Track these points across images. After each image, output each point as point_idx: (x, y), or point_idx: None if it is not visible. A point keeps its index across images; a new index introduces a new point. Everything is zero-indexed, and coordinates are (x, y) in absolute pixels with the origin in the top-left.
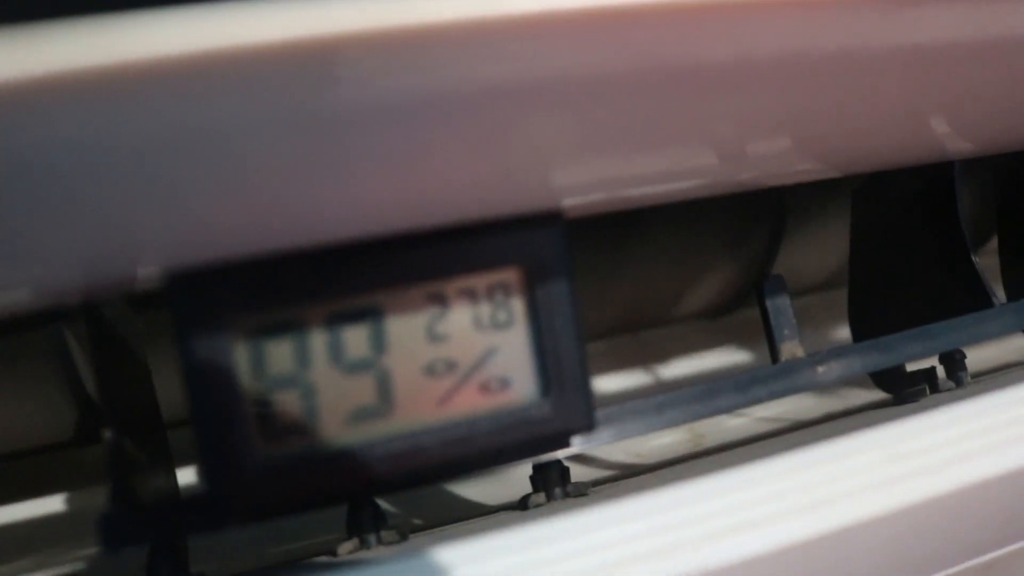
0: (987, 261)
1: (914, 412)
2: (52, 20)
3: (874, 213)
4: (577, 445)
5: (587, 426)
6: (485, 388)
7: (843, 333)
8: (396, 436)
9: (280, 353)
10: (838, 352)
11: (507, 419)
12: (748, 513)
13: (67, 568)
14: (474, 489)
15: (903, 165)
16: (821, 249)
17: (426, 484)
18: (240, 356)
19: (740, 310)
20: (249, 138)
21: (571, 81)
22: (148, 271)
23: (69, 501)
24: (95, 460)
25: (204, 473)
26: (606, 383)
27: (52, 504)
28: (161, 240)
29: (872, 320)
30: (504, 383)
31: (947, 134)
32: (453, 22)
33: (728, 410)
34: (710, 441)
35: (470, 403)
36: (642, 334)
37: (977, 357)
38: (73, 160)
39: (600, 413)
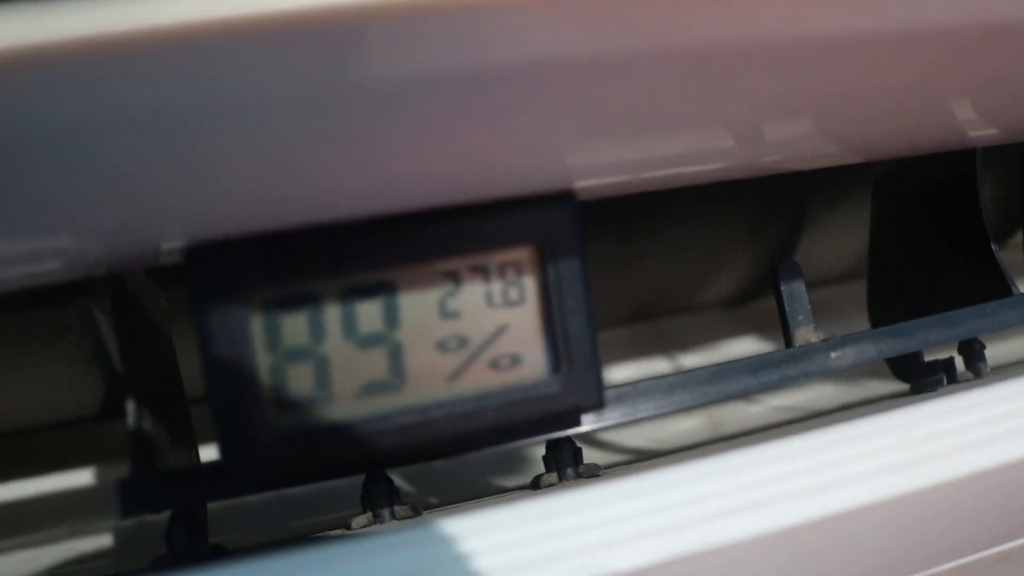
0: (1013, 255)
1: (928, 400)
2: None
3: (895, 201)
4: (587, 424)
5: (596, 404)
6: (496, 365)
7: (866, 324)
8: (407, 410)
9: (295, 326)
10: (852, 338)
11: (517, 395)
12: (753, 493)
13: (96, 537)
14: (489, 471)
15: (924, 151)
16: (843, 238)
17: (436, 459)
18: (255, 328)
19: (761, 298)
20: (269, 113)
21: (584, 61)
22: (167, 244)
23: (98, 473)
24: (123, 433)
25: (219, 442)
26: (626, 371)
27: (82, 477)
28: (179, 213)
29: (890, 307)
30: (515, 360)
31: (969, 119)
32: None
33: (740, 394)
34: (728, 428)
35: (481, 379)
36: (663, 322)
37: (1004, 351)
38: (96, 132)
39: (610, 393)
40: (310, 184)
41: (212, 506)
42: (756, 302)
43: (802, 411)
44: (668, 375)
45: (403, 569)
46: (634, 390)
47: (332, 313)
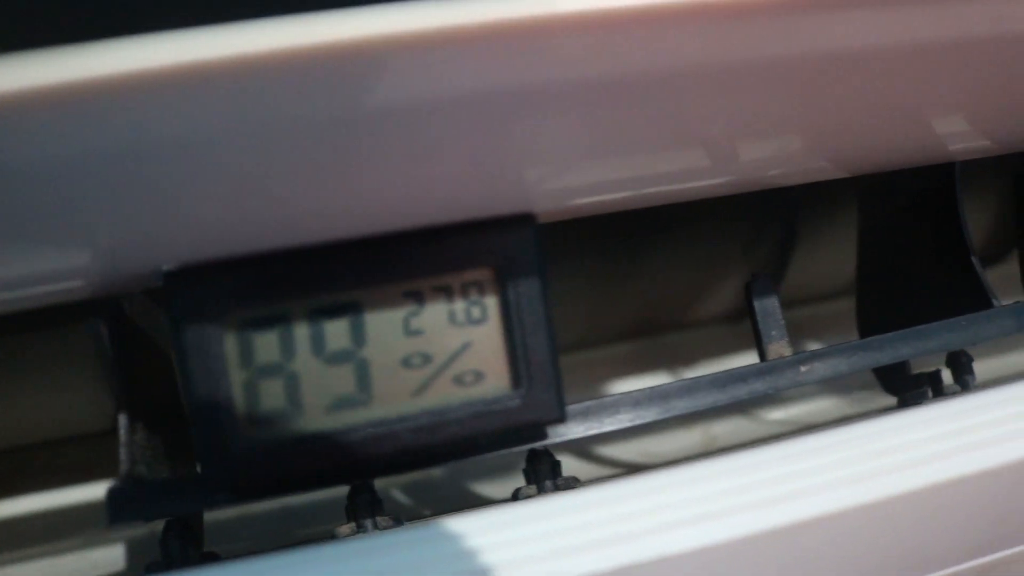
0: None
1: (898, 413)
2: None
3: (879, 215)
4: (554, 437)
5: (558, 418)
6: (460, 380)
7: None
8: (374, 424)
9: (266, 344)
10: (822, 353)
11: (480, 410)
12: (708, 505)
13: (108, 547)
14: (474, 484)
15: (904, 166)
16: (837, 254)
17: (405, 471)
18: (229, 346)
19: None
20: (238, 148)
21: (541, 90)
22: (145, 269)
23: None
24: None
25: (196, 454)
26: (627, 385)
27: (97, 490)
28: (157, 240)
29: (878, 321)
30: (478, 376)
31: (944, 133)
32: (430, 30)
33: (708, 408)
34: (723, 443)
35: (445, 394)
36: (664, 337)
37: (1001, 364)
38: (77, 170)
39: (575, 407)
40: (281, 210)
41: (214, 518)
42: None
43: (797, 425)
44: (634, 391)
45: (374, 570)
46: (599, 404)
47: (302, 332)
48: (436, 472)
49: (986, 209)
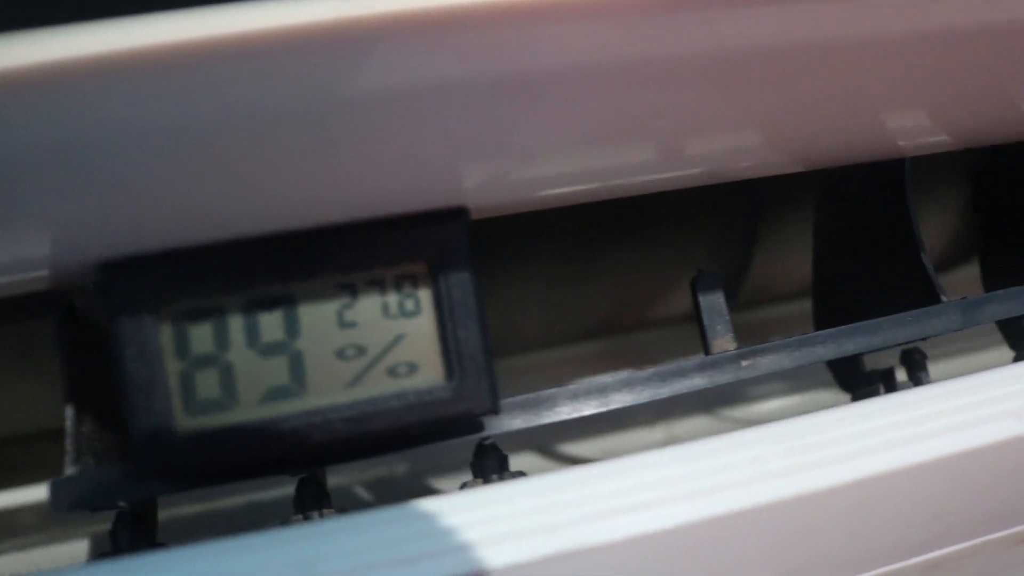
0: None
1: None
2: None
3: (834, 213)
4: (489, 429)
5: (490, 410)
6: (393, 372)
7: None
8: (308, 414)
9: (201, 336)
10: (765, 348)
11: (413, 401)
12: (650, 493)
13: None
14: (432, 482)
15: (855, 160)
16: (800, 255)
17: (340, 462)
18: (165, 338)
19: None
20: (170, 140)
21: (469, 83)
22: (81, 262)
23: None
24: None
25: (130, 444)
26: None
27: None
28: (90, 233)
29: (833, 320)
30: (411, 368)
31: (892, 128)
32: (354, 19)
33: (648, 401)
34: (682, 439)
35: (379, 386)
36: (631, 336)
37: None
38: (3, 161)
39: (514, 400)
40: (214, 204)
41: (179, 512)
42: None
43: (759, 422)
44: (572, 385)
45: (312, 555)
46: (537, 398)
47: (236, 323)
48: (397, 469)
49: (952, 210)
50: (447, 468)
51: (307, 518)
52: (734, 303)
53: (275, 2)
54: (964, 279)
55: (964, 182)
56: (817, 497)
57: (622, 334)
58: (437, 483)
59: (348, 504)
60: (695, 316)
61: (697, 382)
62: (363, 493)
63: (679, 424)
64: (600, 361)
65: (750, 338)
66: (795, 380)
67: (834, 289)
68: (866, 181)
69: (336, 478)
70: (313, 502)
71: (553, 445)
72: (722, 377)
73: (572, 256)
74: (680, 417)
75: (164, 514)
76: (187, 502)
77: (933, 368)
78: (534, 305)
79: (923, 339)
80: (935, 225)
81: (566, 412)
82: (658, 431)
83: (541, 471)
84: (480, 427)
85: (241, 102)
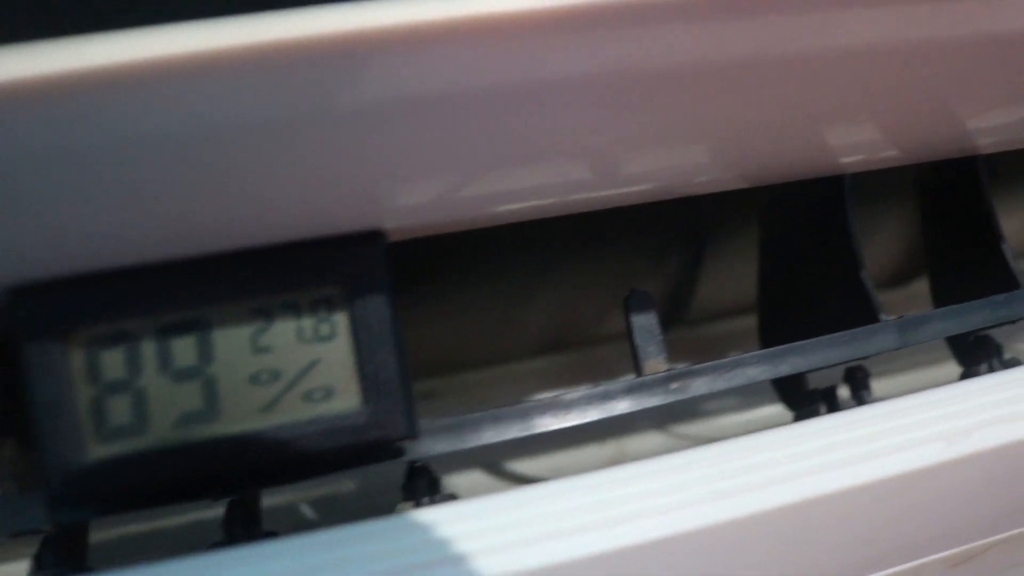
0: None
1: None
2: None
3: (777, 229)
4: (410, 454)
5: (408, 435)
6: (309, 397)
7: None
8: (222, 440)
9: (113, 361)
10: (696, 371)
11: (329, 426)
12: (586, 517)
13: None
14: (359, 502)
15: (796, 177)
16: (747, 270)
17: (256, 488)
18: (75, 363)
19: (679, 327)
20: (78, 163)
21: (381, 106)
22: None
23: None
24: None
25: (41, 470)
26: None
27: None
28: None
29: (777, 338)
30: (327, 393)
31: (831, 144)
32: (263, 45)
33: (575, 424)
34: (634, 458)
35: (294, 411)
36: (584, 351)
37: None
38: None
39: (437, 423)
40: (125, 228)
41: (122, 532)
42: (674, 330)
43: (712, 438)
44: (496, 409)
45: None
46: (459, 422)
47: (148, 349)
48: (342, 487)
49: (909, 223)
50: (394, 485)
51: (233, 541)
52: (680, 319)
53: (173, 25)
54: (924, 292)
55: (920, 196)
56: (751, 521)
57: (576, 349)
58: (384, 499)
59: (287, 524)
60: (627, 336)
61: (624, 405)
62: (307, 511)
63: (630, 441)
64: (557, 376)
65: (696, 355)
66: (749, 396)
67: (778, 306)
68: (807, 198)
69: (275, 498)
70: (241, 527)
71: (499, 463)
72: (650, 400)
73: (520, 271)
74: (631, 434)
75: (102, 536)
76: (124, 524)
77: (882, 383)
78: (484, 321)
79: (860, 359)
80: (891, 239)
81: (489, 436)
82: (608, 448)
83: (487, 490)
84: (400, 452)
85: (151, 125)
